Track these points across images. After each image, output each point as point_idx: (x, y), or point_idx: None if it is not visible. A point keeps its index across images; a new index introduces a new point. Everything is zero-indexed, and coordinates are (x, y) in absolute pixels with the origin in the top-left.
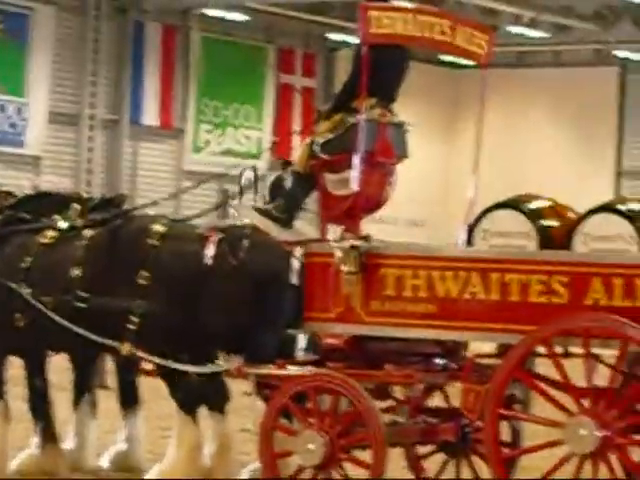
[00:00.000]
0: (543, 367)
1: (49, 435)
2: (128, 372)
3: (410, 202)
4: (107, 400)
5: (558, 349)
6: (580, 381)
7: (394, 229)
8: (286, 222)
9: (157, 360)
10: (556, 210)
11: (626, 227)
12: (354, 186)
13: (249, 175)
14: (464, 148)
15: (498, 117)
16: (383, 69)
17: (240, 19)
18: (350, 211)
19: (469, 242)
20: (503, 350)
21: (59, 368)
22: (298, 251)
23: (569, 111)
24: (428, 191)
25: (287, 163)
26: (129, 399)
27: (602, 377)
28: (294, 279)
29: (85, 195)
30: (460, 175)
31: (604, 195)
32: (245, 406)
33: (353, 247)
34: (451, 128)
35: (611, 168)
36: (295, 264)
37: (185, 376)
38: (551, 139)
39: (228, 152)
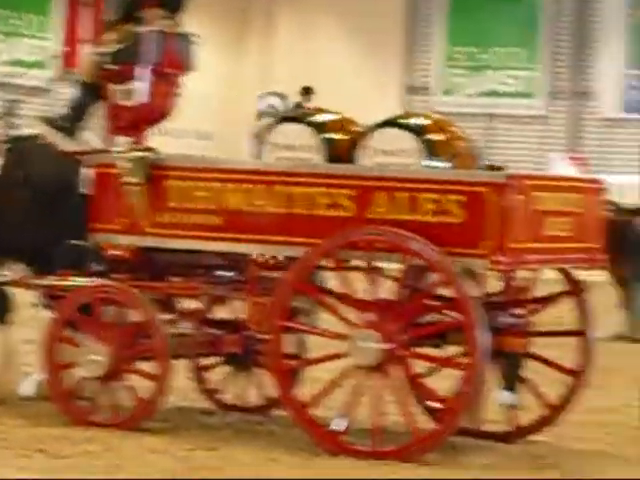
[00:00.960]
0: (335, 281)
1: None
2: None
3: (198, 115)
4: None
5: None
6: (365, 294)
7: (182, 142)
8: (71, 132)
9: None
10: (342, 124)
11: (410, 142)
12: (140, 97)
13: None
14: (253, 61)
15: (288, 29)
16: None
17: None
18: (135, 122)
19: (257, 155)
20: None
21: None
22: (88, 160)
23: (360, 24)
24: (216, 104)
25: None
26: None
27: (387, 290)
28: (84, 189)
29: None
30: (249, 88)
31: (394, 110)
32: (32, 317)
33: (138, 158)
34: (239, 40)
35: (400, 83)
36: (85, 174)
37: None
38: (342, 52)
39: (17, 62)
